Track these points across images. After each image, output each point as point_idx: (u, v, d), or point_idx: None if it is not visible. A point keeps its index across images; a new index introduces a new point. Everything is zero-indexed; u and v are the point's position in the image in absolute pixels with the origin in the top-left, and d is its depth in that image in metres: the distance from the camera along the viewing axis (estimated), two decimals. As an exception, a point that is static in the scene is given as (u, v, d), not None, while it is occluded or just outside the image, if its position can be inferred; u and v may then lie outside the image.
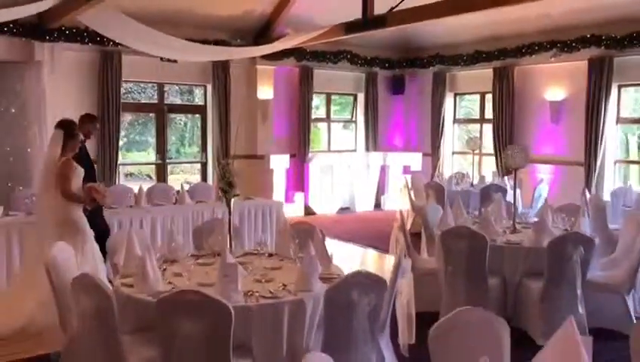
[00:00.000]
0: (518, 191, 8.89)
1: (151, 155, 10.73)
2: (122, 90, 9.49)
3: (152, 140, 10.52)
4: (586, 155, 9.39)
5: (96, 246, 5.03)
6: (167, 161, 10.29)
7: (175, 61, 9.71)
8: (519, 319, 4.73)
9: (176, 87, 10.90)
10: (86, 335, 3.38)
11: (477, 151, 10.26)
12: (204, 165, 10.67)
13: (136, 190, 7.30)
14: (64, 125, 5.03)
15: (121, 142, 9.69)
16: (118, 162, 9.44)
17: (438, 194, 8.70)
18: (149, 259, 3.44)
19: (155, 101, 10.30)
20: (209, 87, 10.34)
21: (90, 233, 5.01)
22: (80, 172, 4.95)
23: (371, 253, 8.33)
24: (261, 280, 3.57)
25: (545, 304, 4.57)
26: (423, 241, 6.11)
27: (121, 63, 9.23)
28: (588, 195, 7.53)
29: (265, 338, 3.21)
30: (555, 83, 9.96)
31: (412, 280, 3.84)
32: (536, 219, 5.95)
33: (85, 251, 4.81)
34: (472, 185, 9.27)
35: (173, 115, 10.97)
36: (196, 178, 11.02)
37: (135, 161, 11.49)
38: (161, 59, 9.49)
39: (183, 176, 12.22)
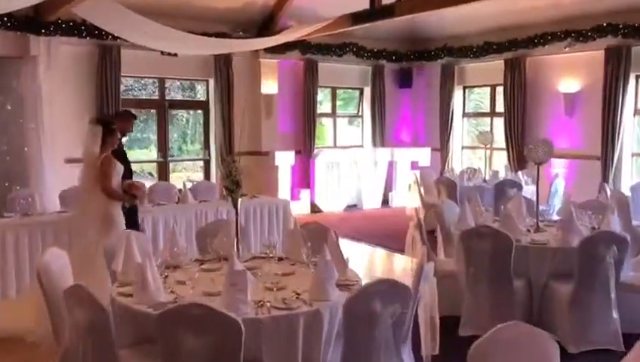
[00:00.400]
0: (533, 186, 8.60)
1: (152, 153, 10.44)
2: (122, 86, 9.18)
3: (154, 137, 10.22)
4: (603, 148, 9.05)
5: None
6: (169, 158, 9.98)
7: (175, 55, 9.41)
8: (546, 324, 4.40)
9: (178, 83, 10.59)
10: (80, 348, 3.09)
11: (489, 146, 9.91)
12: (207, 162, 10.36)
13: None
14: (103, 121, 5.02)
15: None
16: (119, 160, 9.13)
17: (450, 190, 8.39)
18: (149, 266, 3.14)
19: (156, 97, 9.98)
20: (211, 82, 10.02)
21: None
22: (120, 169, 4.90)
23: (383, 253, 8.01)
24: (272, 288, 3.25)
25: (575, 308, 4.26)
26: (440, 241, 5.80)
27: (120, 58, 8.93)
28: (608, 190, 7.20)
29: (278, 353, 2.90)
30: (570, 74, 9.62)
31: (435, 285, 3.53)
32: (558, 217, 5.65)
33: None
34: (484, 180, 8.93)
35: (174, 111, 10.67)
36: (199, 176, 10.74)
37: (137, 158, 11.20)
38: (162, 53, 9.20)
39: (185, 174, 11.94)
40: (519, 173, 9.30)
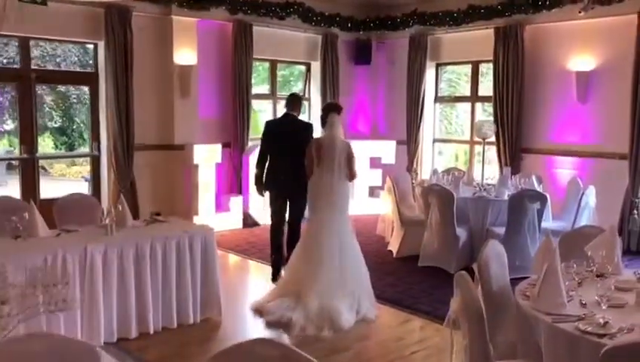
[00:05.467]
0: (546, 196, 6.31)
1: (12, 146, 7.41)
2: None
3: (12, 124, 7.16)
4: (632, 144, 6.89)
5: None
6: (37, 155, 6.90)
7: (44, 3, 6.41)
8: None
9: (50, 45, 7.50)
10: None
11: (488, 140, 7.44)
12: (96, 160, 7.39)
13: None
14: (339, 108, 5.10)
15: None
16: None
17: (445, 203, 5.92)
18: None
19: (17, 65, 6.87)
20: (101, 46, 7.07)
21: None
22: None
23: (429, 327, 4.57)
24: None
25: None
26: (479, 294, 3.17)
27: (-48, 3, 5.85)
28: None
29: None
30: (585, 47, 7.38)
31: None
32: None
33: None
34: (482, 188, 6.50)
35: (44, 87, 7.61)
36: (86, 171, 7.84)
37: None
38: (21, -2, 6.20)
39: (81, 169, 8.97)
40: (518, 177, 6.97)
